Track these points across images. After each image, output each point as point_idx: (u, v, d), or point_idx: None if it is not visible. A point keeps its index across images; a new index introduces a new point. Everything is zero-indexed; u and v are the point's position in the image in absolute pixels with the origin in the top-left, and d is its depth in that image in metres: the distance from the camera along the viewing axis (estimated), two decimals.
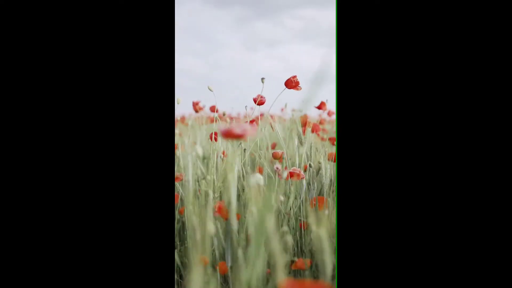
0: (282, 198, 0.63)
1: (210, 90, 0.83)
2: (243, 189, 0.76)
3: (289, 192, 0.71)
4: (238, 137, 0.45)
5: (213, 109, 1.16)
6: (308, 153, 0.81)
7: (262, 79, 0.80)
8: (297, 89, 0.76)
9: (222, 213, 0.52)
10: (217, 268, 0.55)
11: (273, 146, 1.04)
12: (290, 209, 0.70)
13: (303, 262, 0.51)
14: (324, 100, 1.07)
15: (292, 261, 0.54)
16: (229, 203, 0.51)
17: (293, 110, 1.40)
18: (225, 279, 0.63)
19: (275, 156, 0.73)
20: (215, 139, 0.78)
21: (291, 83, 0.76)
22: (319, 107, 1.10)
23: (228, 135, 0.45)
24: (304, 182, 0.76)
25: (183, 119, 1.97)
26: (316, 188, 0.78)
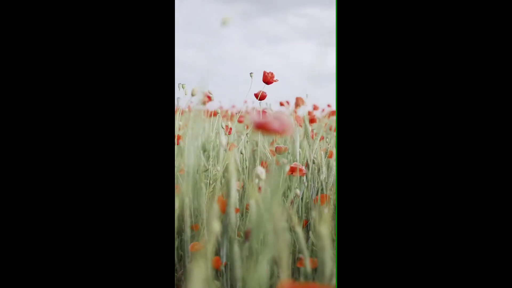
0: (298, 192, 0.62)
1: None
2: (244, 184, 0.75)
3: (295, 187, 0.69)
4: (274, 132, 0.38)
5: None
6: (313, 150, 0.80)
7: (251, 74, 0.83)
8: (275, 81, 0.78)
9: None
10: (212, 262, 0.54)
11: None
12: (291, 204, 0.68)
13: (309, 260, 0.50)
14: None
15: (298, 258, 0.53)
16: (229, 195, 0.49)
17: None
18: (217, 275, 0.62)
19: (279, 151, 0.71)
20: (229, 132, 0.78)
21: (267, 78, 0.78)
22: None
23: (263, 128, 0.38)
24: (305, 179, 0.75)
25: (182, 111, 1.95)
26: (316, 185, 0.77)
